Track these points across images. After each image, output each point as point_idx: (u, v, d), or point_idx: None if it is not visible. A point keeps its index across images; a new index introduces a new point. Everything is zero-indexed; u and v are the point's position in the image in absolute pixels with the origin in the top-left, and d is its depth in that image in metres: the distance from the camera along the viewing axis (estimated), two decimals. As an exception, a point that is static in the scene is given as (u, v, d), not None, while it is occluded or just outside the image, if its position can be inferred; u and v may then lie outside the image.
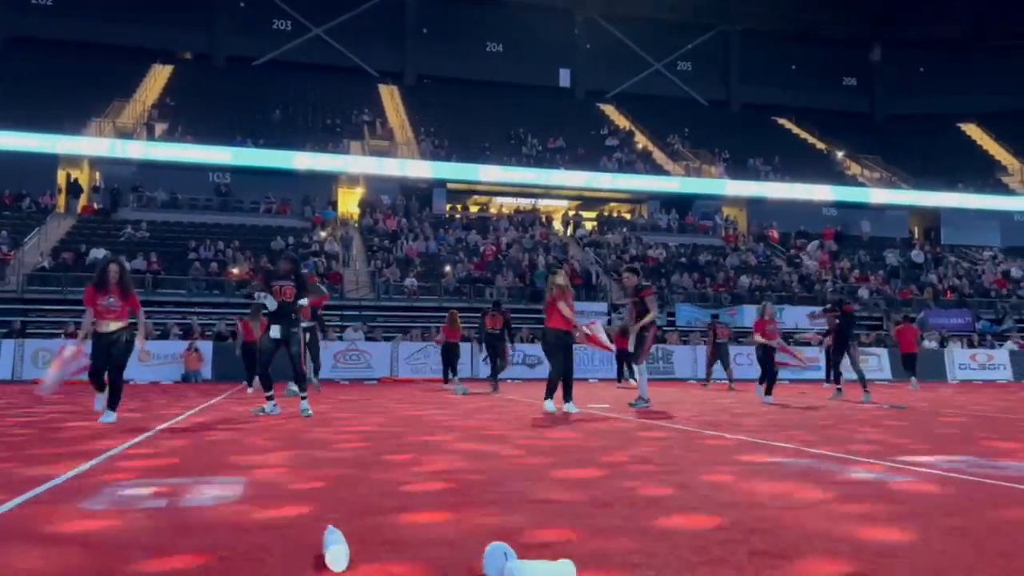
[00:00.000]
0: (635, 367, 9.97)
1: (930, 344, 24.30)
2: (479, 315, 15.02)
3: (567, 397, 8.57)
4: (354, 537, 2.59)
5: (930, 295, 28.80)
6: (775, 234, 33.66)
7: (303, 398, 8.13)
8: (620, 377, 17.51)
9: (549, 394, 8.59)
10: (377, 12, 42.29)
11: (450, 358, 14.70)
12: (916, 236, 37.33)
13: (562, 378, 8.64)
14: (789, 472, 4.30)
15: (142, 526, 2.94)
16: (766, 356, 11.30)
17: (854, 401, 11.02)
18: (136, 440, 5.73)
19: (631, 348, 10.11)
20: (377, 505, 3.33)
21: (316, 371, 12.87)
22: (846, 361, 12.01)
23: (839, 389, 11.88)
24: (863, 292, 28.00)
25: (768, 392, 11.08)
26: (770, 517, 3.08)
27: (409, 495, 3.57)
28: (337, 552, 2.40)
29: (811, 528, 2.90)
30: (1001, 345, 24.64)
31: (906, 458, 4.88)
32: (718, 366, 16.28)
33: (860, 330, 23.53)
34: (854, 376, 11.79)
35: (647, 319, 9.56)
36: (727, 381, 15.94)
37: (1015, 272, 31.50)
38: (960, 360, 22.69)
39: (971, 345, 24.68)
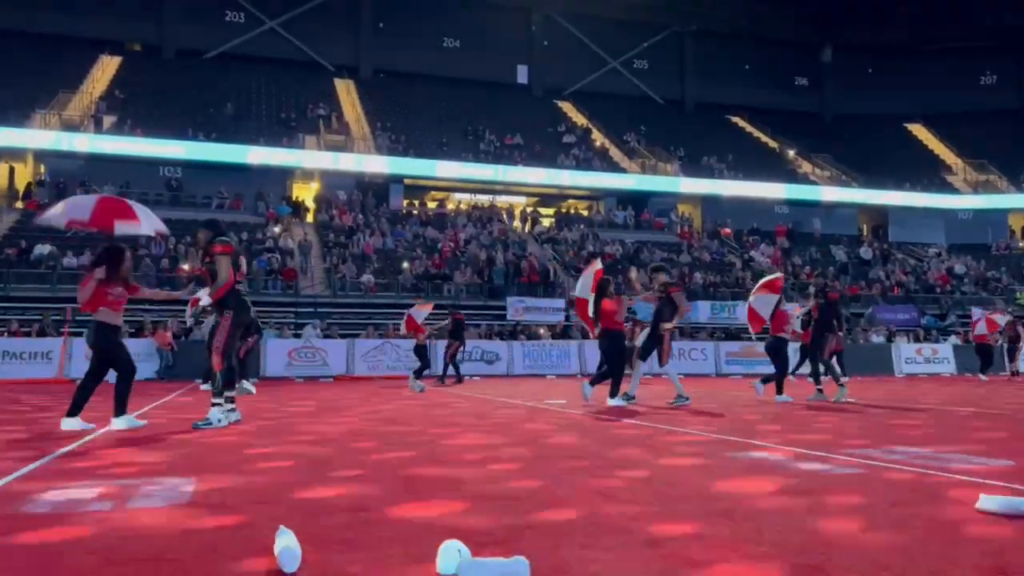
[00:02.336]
0: (662, 368, 9.66)
1: (878, 339, 24.94)
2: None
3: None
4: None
5: (878, 291, 29.58)
6: (728, 231, 34.20)
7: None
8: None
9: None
10: (332, 5, 41.74)
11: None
12: (865, 233, 38.29)
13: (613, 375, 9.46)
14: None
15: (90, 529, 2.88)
16: (782, 352, 10.31)
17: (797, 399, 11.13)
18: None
19: (640, 348, 10.11)
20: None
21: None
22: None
23: (842, 385, 10.40)
24: (813, 288, 28.54)
25: (780, 390, 10.15)
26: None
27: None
28: (289, 552, 2.38)
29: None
30: (945, 340, 25.40)
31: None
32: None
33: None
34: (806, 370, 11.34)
35: (668, 324, 9.59)
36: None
37: (958, 269, 32.52)
38: (907, 354, 23.32)
39: (917, 340, 25.40)
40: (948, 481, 3.84)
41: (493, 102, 40.01)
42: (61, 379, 16.67)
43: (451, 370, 16.34)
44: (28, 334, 18.09)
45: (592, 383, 9.55)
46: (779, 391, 10.14)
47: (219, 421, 6.60)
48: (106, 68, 36.13)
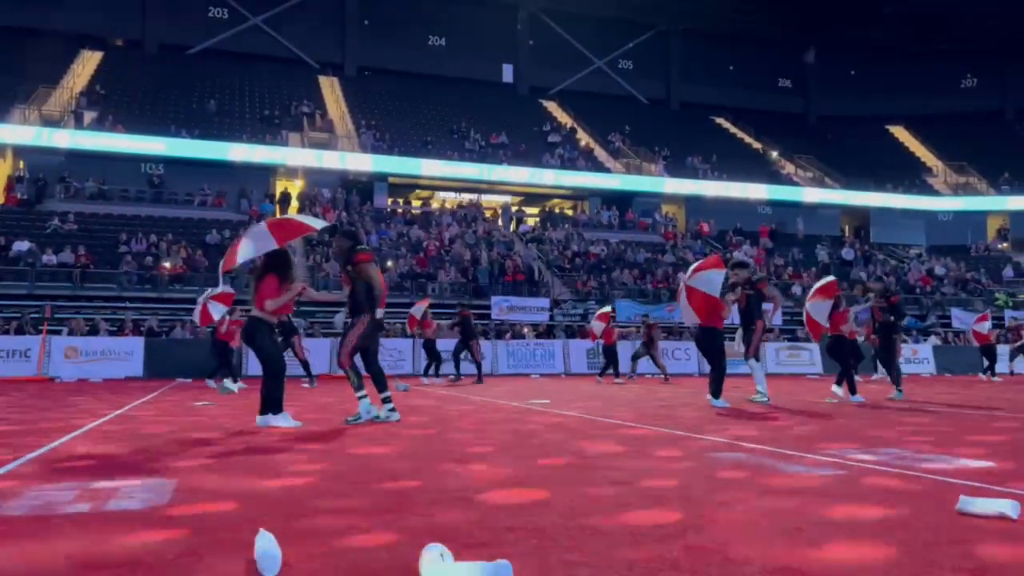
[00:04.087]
0: (748, 362, 9.59)
1: (860, 339, 25.12)
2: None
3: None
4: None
5: (860, 292, 29.76)
6: (705, 227, 34.34)
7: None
8: (603, 372, 17.07)
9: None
10: (317, 2, 41.48)
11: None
12: (847, 234, 38.60)
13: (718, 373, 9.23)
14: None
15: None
16: (842, 350, 10.36)
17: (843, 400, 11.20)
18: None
19: (739, 346, 9.86)
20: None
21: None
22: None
23: (899, 390, 10.28)
24: (796, 288, 28.76)
25: (853, 390, 10.03)
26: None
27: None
28: (268, 556, 2.35)
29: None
30: (925, 340, 25.65)
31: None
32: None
33: (792, 326, 24.23)
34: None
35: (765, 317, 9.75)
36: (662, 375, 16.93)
37: (938, 270, 32.86)
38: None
39: (897, 340, 25.59)
40: None
41: (478, 101, 39.95)
42: (40, 377, 16.49)
43: (466, 368, 16.07)
44: (7, 332, 17.88)
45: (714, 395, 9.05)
46: (852, 391, 10.04)
47: (368, 413, 6.89)
48: (87, 63, 35.74)
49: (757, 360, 9.67)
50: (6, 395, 11.27)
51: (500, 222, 32.52)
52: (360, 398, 6.97)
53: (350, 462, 4.59)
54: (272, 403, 6.54)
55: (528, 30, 45.40)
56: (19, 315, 18.29)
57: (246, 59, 38.47)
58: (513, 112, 40.52)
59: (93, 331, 18.58)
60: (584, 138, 39.88)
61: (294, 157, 31.16)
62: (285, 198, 29.77)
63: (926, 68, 46.37)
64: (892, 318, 10.61)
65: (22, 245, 21.76)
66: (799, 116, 49.01)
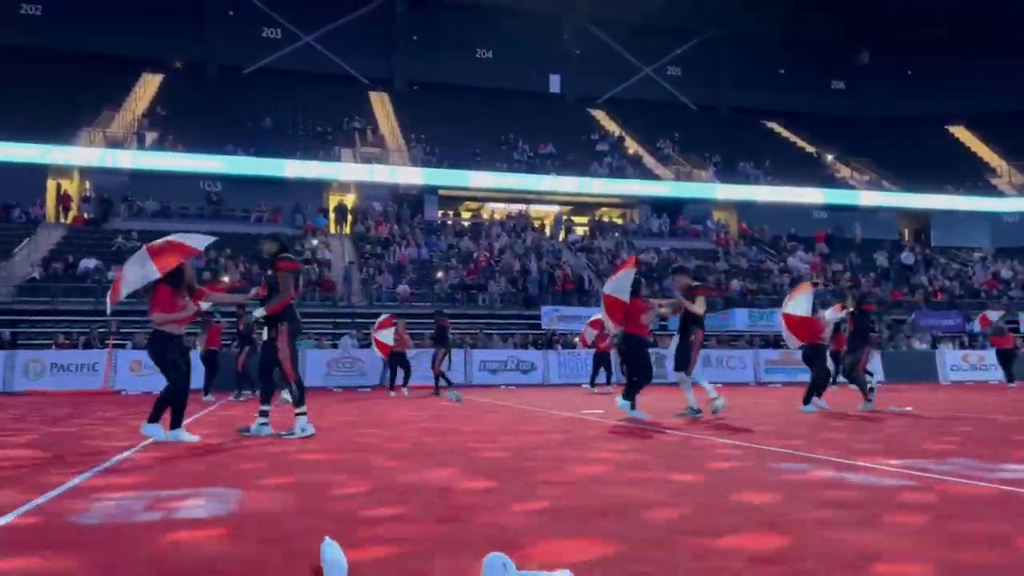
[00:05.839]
0: (677, 375, 9.10)
1: (922, 346, 24.40)
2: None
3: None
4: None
5: (921, 297, 28.95)
6: (744, 227, 33.83)
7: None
8: (593, 382, 16.94)
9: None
10: (367, 19, 42.30)
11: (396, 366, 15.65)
12: (906, 238, 37.52)
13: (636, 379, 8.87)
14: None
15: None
16: (819, 359, 10.14)
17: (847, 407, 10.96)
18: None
19: (672, 354, 9.48)
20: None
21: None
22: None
23: (869, 399, 10.02)
24: (850, 298, 28.09)
25: (808, 400, 9.84)
26: None
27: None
28: (335, 564, 2.40)
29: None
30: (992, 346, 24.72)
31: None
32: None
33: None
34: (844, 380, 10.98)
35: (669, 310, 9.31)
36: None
37: (1005, 273, 31.69)
38: (952, 361, 22.77)
39: (962, 346, 24.79)
40: None
41: (525, 111, 40.07)
42: (106, 390, 17.05)
43: (442, 380, 15.12)
44: (74, 346, 18.55)
45: (625, 396, 8.80)
46: (806, 400, 9.83)
47: (303, 431, 6.74)
48: (148, 86, 37.02)
49: (688, 374, 9.00)
50: (76, 407, 11.68)
51: (548, 232, 32.51)
52: (298, 415, 6.80)
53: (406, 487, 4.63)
54: (159, 415, 6.49)
55: (575, 40, 45.44)
56: (87, 330, 18.95)
57: (299, 77, 39.34)
58: (560, 122, 40.54)
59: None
60: (632, 146, 39.67)
61: (346, 172, 31.73)
62: (342, 211, 30.31)
63: (985, 65, 44.90)
64: (861, 327, 10.11)
65: (89, 262, 22.59)
66: (853, 118, 47.90)
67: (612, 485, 4.06)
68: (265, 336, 7.00)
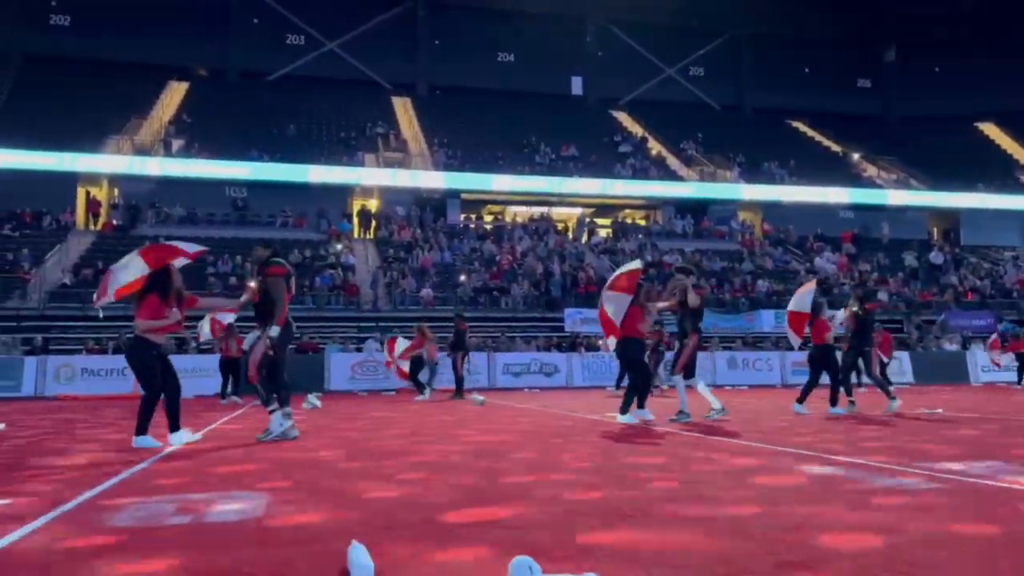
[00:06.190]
0: (672, 378, 8.96)
1: (952, 347, 24.01)
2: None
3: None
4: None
5: (951, 297, 28.49)
6: (759, 224, 33.55)
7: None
8: (619, 384, 16.79)
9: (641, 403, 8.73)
10: (389, 25, 42.56)
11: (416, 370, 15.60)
12: (935, 237, 36.96)
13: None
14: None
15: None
16: (829, 360, 9.81)
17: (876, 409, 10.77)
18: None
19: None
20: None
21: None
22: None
23: (852, 401, 9.92)
24: (883, 295, 27.73)
25: (801, 400, 9.63)
26: None
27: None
28: (362, 567, 2.40)
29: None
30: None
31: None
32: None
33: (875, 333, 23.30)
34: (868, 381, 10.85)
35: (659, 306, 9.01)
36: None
37: (1037, 272, 31.12)
38: (983, 362, 22.35)
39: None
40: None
41: (548, 114, 40.03)
42: (135, 394, 17.25)
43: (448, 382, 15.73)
44: (104, 351, 18.82)
45: (640, 404, 8.64)
46: (800, 400, 9.63)
47: (280, 427, 6.80)
48: (174, 93, 37.51)
49: (684, 377, 8.82)
50: (103, 412, 11.84)
51: (571, 234, 32.44)
52: (271, 412, 6.87)
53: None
54: (145, 426, 6.46)
55: (596, 42, 45.36)
56: (116, 335, 19.21)
57: (322, 83, 39.66)
58: (583, 124, 40.48)
59: (182, 349, 19.37)
60: (656, 147, 39.50)
61: (369, 177, 31.92)
62: (365, 216, 30.49)
63: (1015, 62, 44.17)
64: (864, 328, 9.89)
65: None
66: (880, 117, 47.37)
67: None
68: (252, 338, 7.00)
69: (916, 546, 2.73)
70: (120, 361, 17.99)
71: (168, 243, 7.03)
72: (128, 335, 17.54)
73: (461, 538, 2.96)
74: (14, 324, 20.82)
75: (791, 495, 3.76)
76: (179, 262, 6.77)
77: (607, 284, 8.81)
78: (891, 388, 10.13)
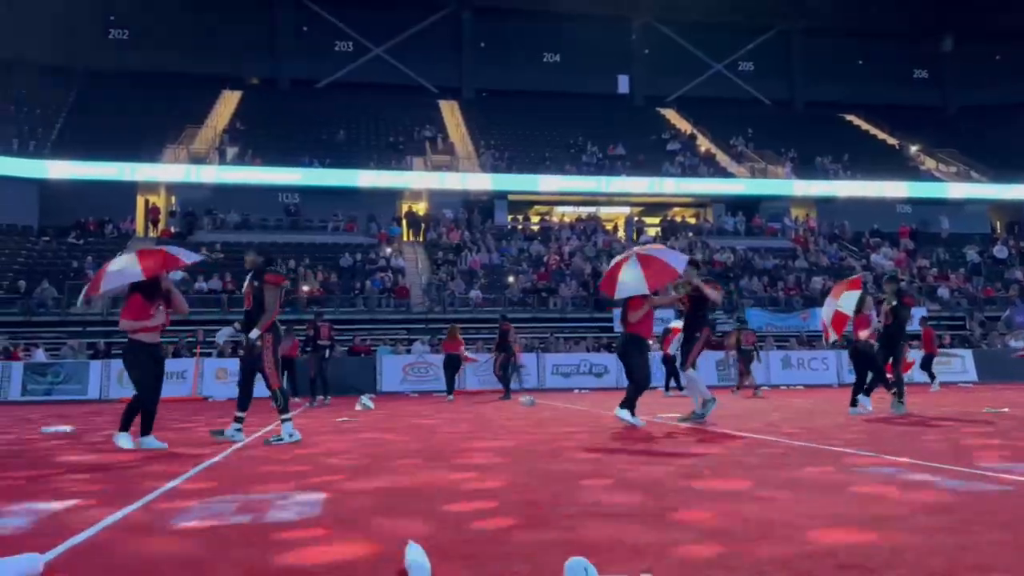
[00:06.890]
0: (686, 373, 8.63)
1: (1018, 343, 23.19)
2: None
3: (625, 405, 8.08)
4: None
5: (1016, 292, 27.50)
6: (813, 227, 32.78)
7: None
8: (668, 386, 16.35)
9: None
10: (435, 29, 42.87)
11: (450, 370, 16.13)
12: (998, 231, 35.72)
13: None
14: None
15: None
16: (868, 356, 9.63)
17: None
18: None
19: (671, 350, 9.15)
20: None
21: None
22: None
23: (901, 401, 9.38)
24: (943, 291, 26.94)
25: (855, 401, 9.43)
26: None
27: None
28: (418, 567, 2.43)
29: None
30: (1094, 343, 23.32)
31: None
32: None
33: (940, 331, 22.64)
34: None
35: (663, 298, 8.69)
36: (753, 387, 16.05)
37: (1108, 265, 29.84)
38: (1051, 360, 21.55)
39: (1062, 343, 23.44)
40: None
41: (594, 113, 39.86)
42: (195, 397, 17.74)
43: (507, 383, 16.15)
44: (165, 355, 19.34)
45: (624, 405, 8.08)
46: (857, 398, 9.42)
47: (290, 436, 6.90)
48: (227, 102, 38.42)
49: (695, 369, 8.58)
50: (166, 414, 12.19)
51: (621, 233, 32.22)
52: (284, 421, 6.97)
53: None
54: (124, 422, 6.57)
55: (643, 40, 45.00)
56: (176, 339, 19.76)
57: (370, 89, 40.15)
58: (630, 123, 40.19)
59: (237, 353, 19.80)
60: (705, 144, 39.01)
61: (418, 180, 32.26)
62: (414, 219, 30.79)
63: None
64: (900, 322, 9.48)
65: (176, 274, 23.53)
66: (938, 108, 45.96)
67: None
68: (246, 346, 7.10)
69: None
70: (179, 365, 18.54)
71: (168, 250, 7.12)
72: (188, 339, 17.72)
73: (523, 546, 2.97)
74: (80, 329, 21.56)
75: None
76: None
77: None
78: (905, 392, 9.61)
